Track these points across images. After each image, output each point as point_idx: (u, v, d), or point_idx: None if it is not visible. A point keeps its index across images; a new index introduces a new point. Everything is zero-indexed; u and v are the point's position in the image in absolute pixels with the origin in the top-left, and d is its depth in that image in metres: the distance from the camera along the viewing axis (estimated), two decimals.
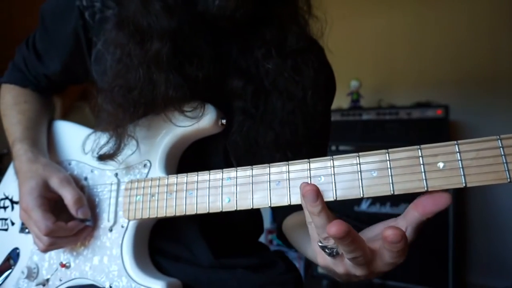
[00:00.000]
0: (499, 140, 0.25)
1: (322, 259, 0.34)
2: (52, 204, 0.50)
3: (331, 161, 0.32)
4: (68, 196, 0.48)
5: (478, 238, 1.95)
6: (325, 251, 0.31)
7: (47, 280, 0.53)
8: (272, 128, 0.49)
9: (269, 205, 0.34)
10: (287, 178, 0.33)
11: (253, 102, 0.49)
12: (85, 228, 0.50)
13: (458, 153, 0.26)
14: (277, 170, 0.34)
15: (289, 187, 0.33)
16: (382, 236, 0.27)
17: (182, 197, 0.41)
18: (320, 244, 0.31)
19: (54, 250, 0.52)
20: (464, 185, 0.26)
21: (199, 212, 0.39)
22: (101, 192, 0.53)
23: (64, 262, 0.52)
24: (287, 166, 0.34)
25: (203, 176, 0.40)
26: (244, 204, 0.36)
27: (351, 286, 1.82)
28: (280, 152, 0.48)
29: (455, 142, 0.27)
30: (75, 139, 0.59)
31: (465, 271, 1.93)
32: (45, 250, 0.49)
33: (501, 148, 0.25)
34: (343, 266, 0.32)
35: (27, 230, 0.57)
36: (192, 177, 0.41)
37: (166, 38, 0.43)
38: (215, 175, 0.39)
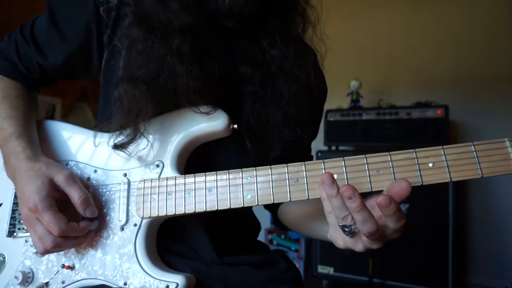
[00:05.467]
0: (472, 146, 0.37)
1: (342, 241, 0.43)
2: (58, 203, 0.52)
3: (343, 161, 0.40)
4: (75, 195, 0.51)
5: (478, 239, 2.07)
6: (344, 231, 0.40)
7: (46, 283, 0.55)
8: (281, 108, 0.57)
9: (289, 199, 0.42)
10: (305, 176, 0.41)
11: (261, 86, 0.57)
12: (89, 231, 0.53)
13: (444, 155, 0.38)
14: (295, 169, 0.43)
15: (307, 183, 0.41)
16: (377, 206, 0.36)
17: (202, 195, 0.47)
18: (340, 224, 0.40)
19: (55, 252, 0.54)
20: (449, 180, 0.37)
21: (220, 208, 0.45)
22: (108, 192, 0.56)
23: (67, 264, 0.55)
24: (304, 166, 0.41)
25: (222, 175, 0.46)
26: (265, 199, 0.43)
27: (351, 286, 1.90)
28: (289, 129, 0.57)
29: (441, 146, 0.38)
30: (71, 140, 0.62)
31: (465, 271, 2.05)
32: (46, 253, 0.51)
33: (474, 152, 0.36)
34: (362, 243, 0.41)
35: (15, 234, 0.58)
36: (211, 176, 0.48)
37: (187, 34, 0.50)
38: (235, 174, 0.46)
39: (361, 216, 0.37)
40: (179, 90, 0.51)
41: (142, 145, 0.55)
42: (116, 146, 0.53)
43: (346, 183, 0.40)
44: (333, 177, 0.38)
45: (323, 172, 0.41)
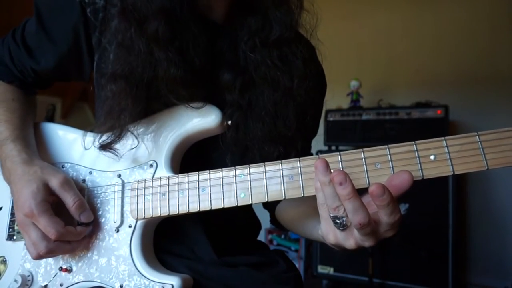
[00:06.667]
0: (477, 136, 0.34)
1: (333, 236, 0.40)
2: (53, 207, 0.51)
3: (339, 155, 0.38)
4: (70, 200, 0.50)
5: (478, 239, 2.05)
6: (336, 223, 0.37)
7: (45, 286, 0.55)
8: (262, 121, 0.53)
9: (284, 197, 0.39)
10: (300, 172, 0.39)
11: (242, 95, 0.53)
12: (84, 236, 0.52)
13: (446, 147, 0.35)
14: (289, 166, 0.40)
15: (302, 180, 0.39)
16: (370, 195, 0.33)
17: (195, 195, 0.46)
18: (331, 215, 0.37)
19: (49, 258, 0.54)
20: (452, 173, 0.34)
21: (214, 208, 0.44)
22: (103, 194, 0.56)
23: (64, 267, 0.55)
24: (299, 162, 0.39)
25: (215, 173, 0.45)
26: (259, 197, 0.41)
27: (351, 286, 1.89)
28: (272, 146, 0.53)
29: (443, 138, 0.35)
30: (67, 142, 0.61)
31: (465, 271, 2.03)
32: (39, 258, 0.50)
33: (479, 142, 0.34)
34: (353, 239, 0.38)
35: (15, 237, 0.58)
36: (204, 175, 0.46)
37: (161, 17, 0.48)
38: (228, 173, 0.44)
39: (351, 204, 0.35)
40: (159, 78, 0.49)
41: (132, 145, 0.53)
42: (102, 146, 0.52)
43: None
44: (327, 163, 0.36)
45: None
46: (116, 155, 0.53)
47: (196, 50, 0.51)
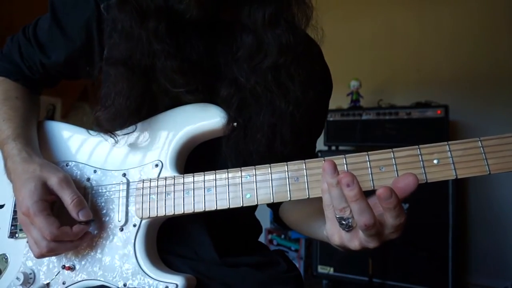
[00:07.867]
0: (479, 141, 0.35)
1: (338, 237, 0.41)
2: (51, 206, 0.52)
3: (344, 158, 0.39)
4: (67, 198, 0.50)
5: (478, 238, 2.06)
6: (341, 224, 0.38)
7: (47, 284, 0.55)
8: (257, 139, 0.53)
9: (289, 199, 0.41)
10: (305, 174, 0.40)
11: (238, 112, 0.53)
12: (87, 233, 0.53)
13: (449, 152, 0.36)
14: (295, 167, 0.41)
15: (307, 182, 0.40)
16: (377, 197, 0.34)
17: (201, 195, 0.46)
18: (337, 217, 0.38)
19: (52, 256, 0.54)
20: (455, 177, 0.35)
21: (219, 208, 0.45)
22: (108, 192, 0.56)
23: (67, 265, 0.55)
24: (304, 164, 0.40)
25: (221, 174, 0.45)
26: (265, 198, 0.42)
27: (351, 286, 1.90)
28: (271, 160, 0.51)
29: (447, 142, 0.36)
30: (71, 141, 0.62)
31: (465, 271, 2.04)
32: (42, 256, 0.51)
33: (481, 148, 0.35)
34: (358, 240, 0.39)
35: (17, 235, 0.59)
36: (210, 175, 0.47)
37: (162, 16, 0.50)
38: (234, 173, 0.45)
39: (358, 205, 0.35)
40: (157, 67, 0.51)
41: (138, 139, 0.55)
42: (98, 123, 0.53)
43: None
44: (335, 165, 0.37)
45: None
46: (115, 140, 0.54)
47: (192, 46, 0.52)
